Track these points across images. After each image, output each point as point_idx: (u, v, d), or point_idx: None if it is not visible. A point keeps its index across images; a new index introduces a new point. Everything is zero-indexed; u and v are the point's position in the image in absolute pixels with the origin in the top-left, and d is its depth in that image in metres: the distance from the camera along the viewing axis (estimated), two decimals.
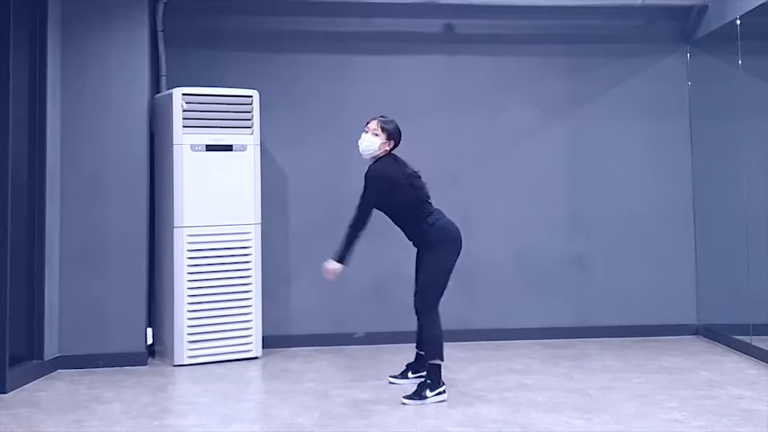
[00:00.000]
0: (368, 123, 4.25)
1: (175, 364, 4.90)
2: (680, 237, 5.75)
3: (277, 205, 5.52)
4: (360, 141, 4.23)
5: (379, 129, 4.20)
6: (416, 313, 4.16)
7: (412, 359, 4.46)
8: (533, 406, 3.87)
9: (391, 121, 4.25)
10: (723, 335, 5.34)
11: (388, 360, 4.88)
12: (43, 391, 4.33)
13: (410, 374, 4.39)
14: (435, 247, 4.11)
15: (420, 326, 4.19)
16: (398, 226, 4.26)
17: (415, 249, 4.27)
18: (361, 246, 5.47)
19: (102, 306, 4.91)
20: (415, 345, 4.47)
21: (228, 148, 5.06)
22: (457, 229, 4.16)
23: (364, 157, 4.25)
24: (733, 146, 5.19)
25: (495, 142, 5.73)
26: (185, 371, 4.81)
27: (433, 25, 5.76)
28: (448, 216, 4.19)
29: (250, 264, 5.08)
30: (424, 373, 4.11)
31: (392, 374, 4.44)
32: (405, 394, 4.00)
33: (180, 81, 5.25)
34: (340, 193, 5.37)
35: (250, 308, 5.07)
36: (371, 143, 4.20)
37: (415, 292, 4.19)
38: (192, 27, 5.54)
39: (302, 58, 5.64)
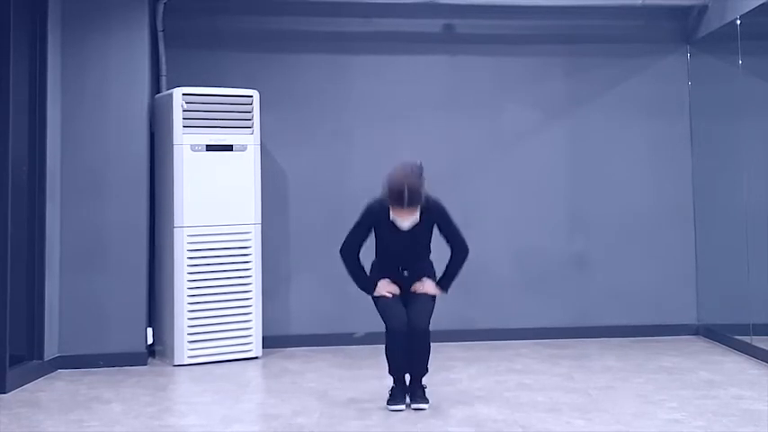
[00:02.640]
0: (401, 209, 3.77)
1: (175, 364, 4.90)
2: (680, 237, 5.74)
3: (277, 205, 5.51)
4: (406, 221, 3.82)
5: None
6: (422, 333, 3.81)
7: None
8: (533, 406, 3.87)
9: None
10: (723, 335, 5.34)
11: None
12: (43, 391, 4.33)
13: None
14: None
15: (425, 345, 3.83)
16: (416, 259, 4.03)
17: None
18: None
19: (101, 306, 4.91)
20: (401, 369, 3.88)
21: (229, 148, 5.06)
22: None
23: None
24: (733, 146, 5.19)
25: (495, 142, 5.72)
26: (185, 371, 4.81)
27: (433, 25, 5.75)
28: None
29: (250, 264, 5.08)
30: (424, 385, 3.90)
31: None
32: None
33: (180, 81, 5.24)
34: (340, 193, 5.37)
35: (250, 308, 5.07)
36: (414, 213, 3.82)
37: (420, 310, 3.87)
38: (192, 27, 5.54)
39: (302, 58, 5.64)
